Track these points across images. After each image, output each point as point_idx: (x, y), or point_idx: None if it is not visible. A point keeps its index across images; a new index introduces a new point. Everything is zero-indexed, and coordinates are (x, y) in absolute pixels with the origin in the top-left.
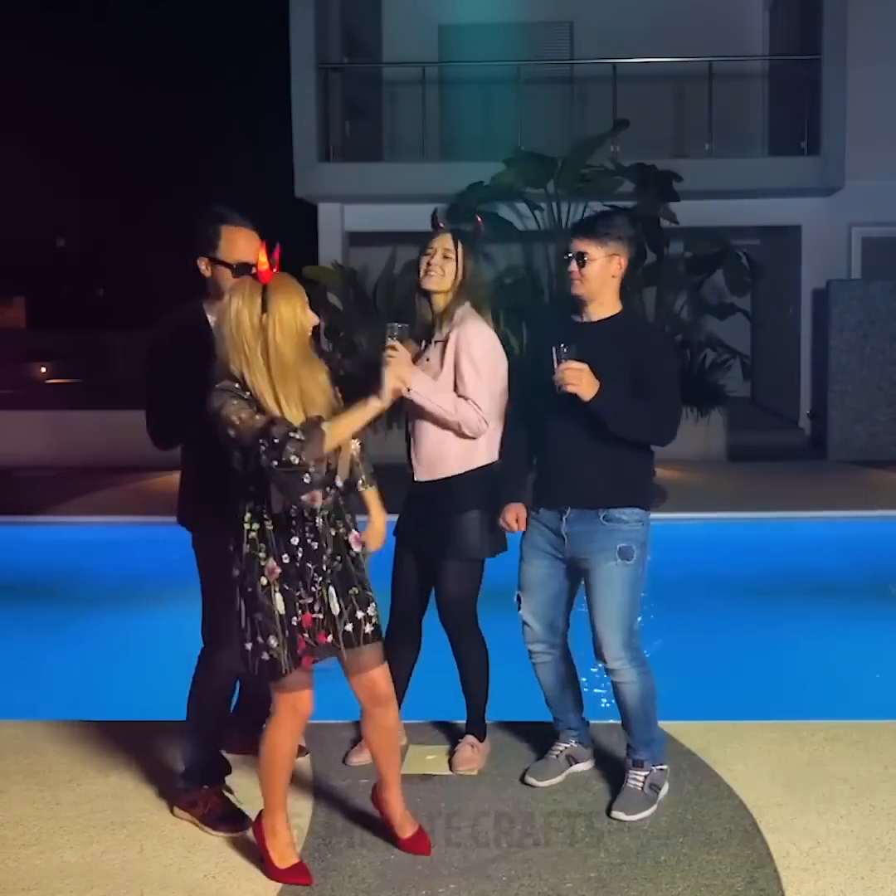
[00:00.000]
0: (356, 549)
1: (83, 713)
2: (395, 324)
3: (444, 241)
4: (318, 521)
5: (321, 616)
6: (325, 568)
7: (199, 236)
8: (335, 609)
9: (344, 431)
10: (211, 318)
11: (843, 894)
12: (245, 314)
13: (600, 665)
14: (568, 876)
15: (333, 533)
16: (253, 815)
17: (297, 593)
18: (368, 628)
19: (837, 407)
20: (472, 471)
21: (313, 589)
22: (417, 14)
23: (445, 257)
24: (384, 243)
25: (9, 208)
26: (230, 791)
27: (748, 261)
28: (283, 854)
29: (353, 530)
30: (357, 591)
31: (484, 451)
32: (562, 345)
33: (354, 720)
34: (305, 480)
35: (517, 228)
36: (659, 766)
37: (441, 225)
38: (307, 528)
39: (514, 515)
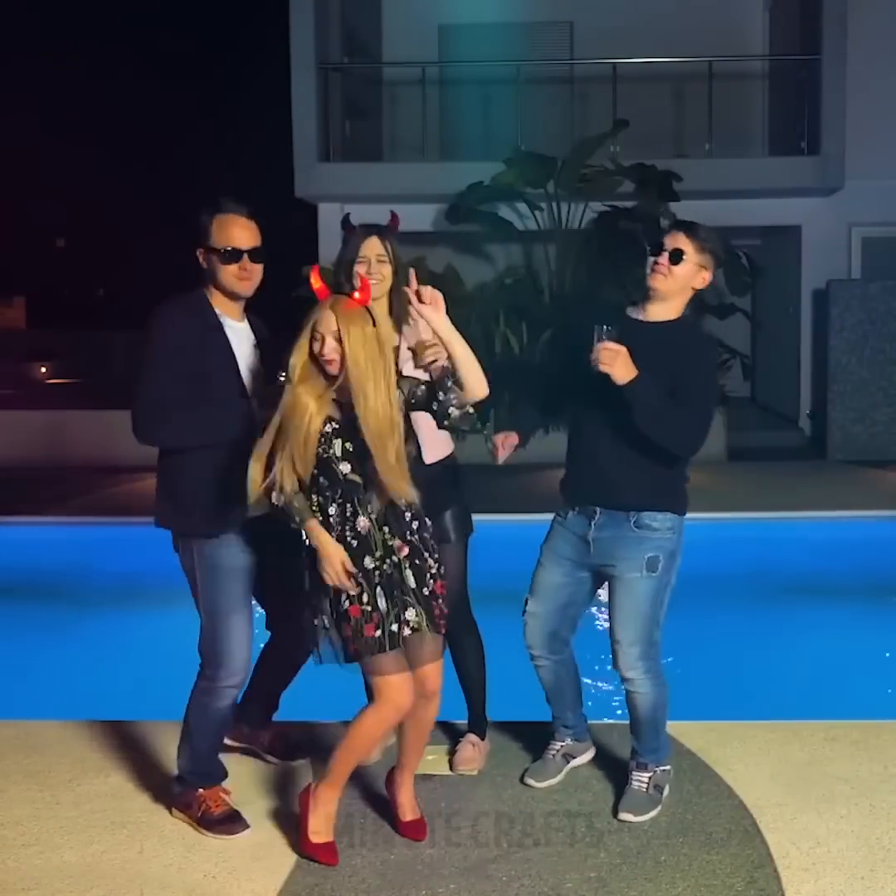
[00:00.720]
0: (402, 554)
1: (83, 713)
2: (606, 326)
3: (375, 247)
4: (361, 522)
5: (370, 609)
6: (369, 567)
7: (197, 228)
8: (383, 608)
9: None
10: (217, 310)
11: (843, 894)
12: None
13: (614, 671)
14: (568, 876)
15: (380, 538)
16: (250, 817)
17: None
18: (407, 632)
19: (837, 407)
20: (448, 459)
21: (360, 582)
22: (417, 14)
23: (380, 261)
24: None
25: (9, 208)
26: (227, 792)
27: (748, 261)
28: (321, 829)
29: (397, 538)
30: (398, 595)
31: (447, 442)
32: (605, 326)
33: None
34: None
35: (517, 228)
36: (662, 767)
37: (355, 228)
38: (348, 528)
39: (504, 436)
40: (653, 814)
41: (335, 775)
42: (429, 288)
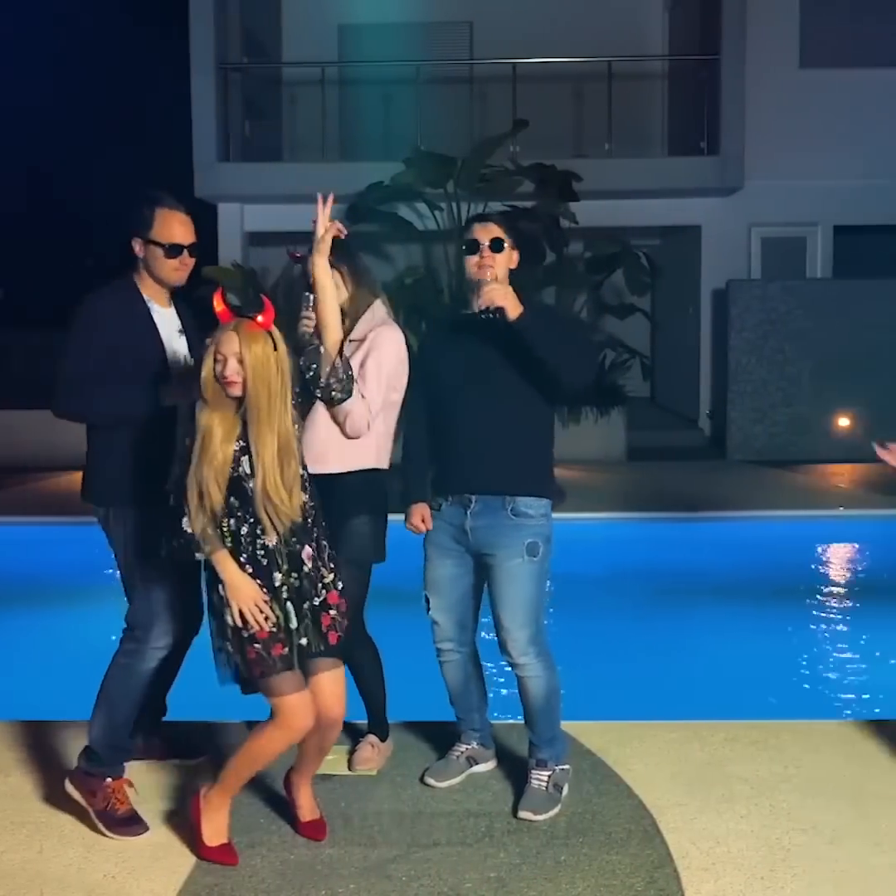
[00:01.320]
0: (308, 564)
1: None
2: (309, 294)
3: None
4: (270, 540)
5: (276, 630)
6: (278, 585)
7: (135, 217)
8: (292, 623)
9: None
10: (145, 295)
11: (743, 894)
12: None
13: (505, 661)
14: (467, 876)
15: (287, 551)
16: (150, 817)
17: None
18: (303, 641)
19: (737, 407)
20: (359, 473)
21: (271, 605)
22: (317, 14)
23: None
24: (284, 243)
25: None
26: (132, 787)
27: (648, 261)
28: (217, 831)
29: (307, 545)
30: (310, 605)
31: (372, 455)
32: (485, 279)
33: (253, 720)
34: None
35: (417, 228)
36: (561, 766)
37: (299, 255)
38: (258, 546)
39: (420, 516)
40: (553, 812)
41: (229, 784)
42: (334, 225)
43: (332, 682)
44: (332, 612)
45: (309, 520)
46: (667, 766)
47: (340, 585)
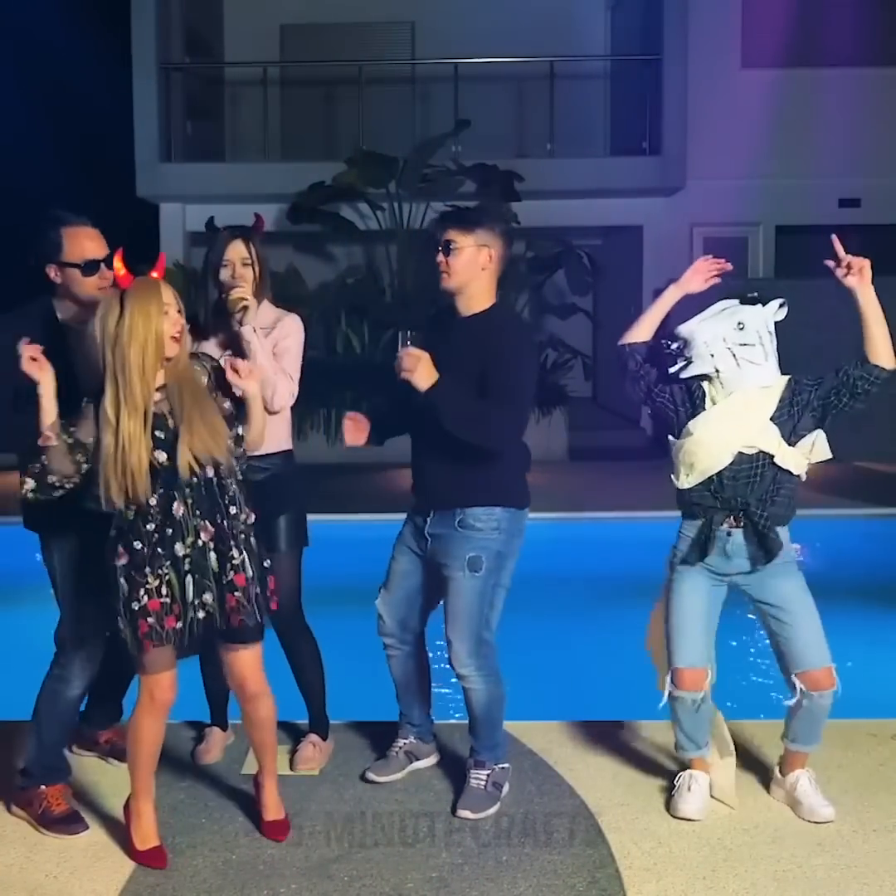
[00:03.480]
0: (203, 538)
1: None
2: (410, 331)
3: (239, 250)
4: (177, 508)
5: (170, 601)
6: (180, 555)
7: (43, 244)
8: (188, 596)
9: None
10: (59, 315)
11: (685, 894)
12: (108, 322)
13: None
14: (410, 876)
15: (193, 523)
16: (92, 816)
17: (143, 580)
18: (200, 615)
19: None
20: (278, 457)
21: (161, 573)
22: (259, 13)
23: (244, 265)
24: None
25: None
26: (69, 790)
27: (589, 261)
28: (145, 836)
29: (206, 520)
30: (199, 578)
31: (286, 436)
32: (408, 331)
33: (194, 721)
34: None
35: (359, 228)
36: (500, 765)
37: (219, 231)
38: (166, 516)
39: (353, 421)
40: (491, 811)
41: (135, 784)
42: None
43: (245, 658)
44: (238, 595)
45: (226, 499)
46: (609, 765)
47: (250, 573)
